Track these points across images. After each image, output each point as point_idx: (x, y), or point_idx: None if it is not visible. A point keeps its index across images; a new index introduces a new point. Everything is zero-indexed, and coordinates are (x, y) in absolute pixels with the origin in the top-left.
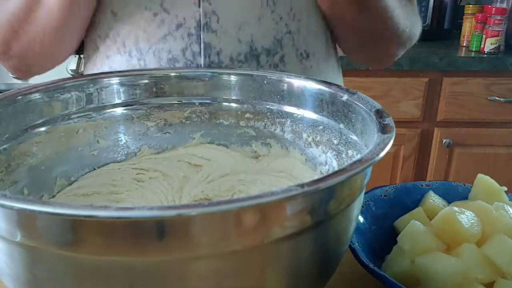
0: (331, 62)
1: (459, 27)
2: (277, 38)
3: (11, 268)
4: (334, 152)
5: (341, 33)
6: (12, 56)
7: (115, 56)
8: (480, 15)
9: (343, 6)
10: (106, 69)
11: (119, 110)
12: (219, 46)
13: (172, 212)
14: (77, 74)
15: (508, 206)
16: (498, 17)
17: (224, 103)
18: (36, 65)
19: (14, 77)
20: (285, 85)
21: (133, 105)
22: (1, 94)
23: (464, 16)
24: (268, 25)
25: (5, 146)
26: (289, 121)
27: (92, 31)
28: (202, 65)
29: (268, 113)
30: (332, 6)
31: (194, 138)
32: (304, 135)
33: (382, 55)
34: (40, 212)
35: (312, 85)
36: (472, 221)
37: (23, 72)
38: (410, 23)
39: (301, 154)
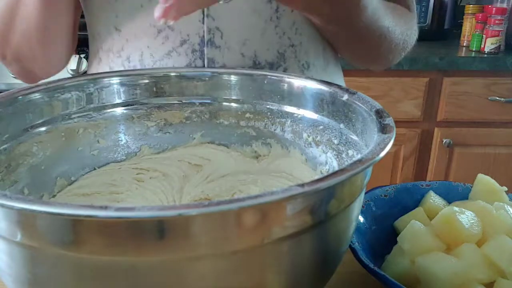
0: (330, 69)
1: (459, 27)
2: (280, 51)
3: (11, 268)
4: (334, 152)
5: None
6: (10, 61)
7: (119, 68)
8: (480, 15)
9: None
10: None
11: (119, 110)
12: (223, 61)
13: (172, 212)
14: (77, 74)
15: (508, 206)
16: (498, 17)
17: (224, 103)
18: (35, 70)
19: (14, 77)
20: (285, 85)
21: (133, 105)
22: (1, 94)
23: (464, 16)
24: (272, 40)
25: (5, 146)
26: (289, 121)
27: (93, 42)
28: None
29: (268, 113)
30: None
31: (195, 138)
32: (304, 135)
33: (376, 63)
34: (40, 212)
35: (312, 85)
36: (472, 221)
37: (27, 77)
38: (405, 35)
39: (301, 154)
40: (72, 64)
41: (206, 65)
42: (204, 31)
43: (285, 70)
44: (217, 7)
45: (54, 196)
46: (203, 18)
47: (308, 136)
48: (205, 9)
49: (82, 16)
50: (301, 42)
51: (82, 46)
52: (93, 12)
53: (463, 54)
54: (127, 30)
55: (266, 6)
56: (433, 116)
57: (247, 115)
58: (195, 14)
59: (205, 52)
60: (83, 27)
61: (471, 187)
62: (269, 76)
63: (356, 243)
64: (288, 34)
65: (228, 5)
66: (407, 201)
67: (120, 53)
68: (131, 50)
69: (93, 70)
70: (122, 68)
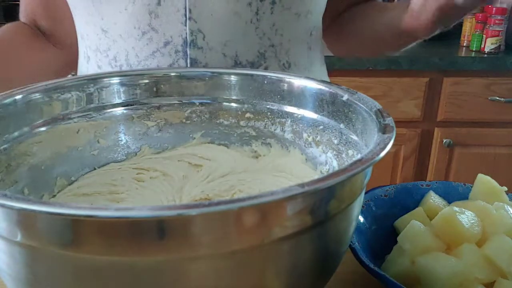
0: (315, 69)
1: (459, 27)
2: (261, 51)
3: (11, 267)
4: (334, 152)
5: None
6: None
7: (107, 67)
8: (480, 15)
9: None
10: None
11: (119, 110)
12: (205, 61)
13: (172, 212)
14: (77, 74)
15: (508, 206)
16: (499, 17)
17: (224, 103)
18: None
19: None
20: (286, 85)
21: (133, 105)
22: (1, 94)
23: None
24: (252, 41)
25: (5, 146)
26: (289, 121)
27: (82, 42)
28: None
29: (269, 113)
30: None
31: (195, 138)
32: (305, 135)
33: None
34: (40, 212)
35: (312, 85)
36: (472, 221)
37: None
38: None
39: (301, 154)
40: None
41: (188, 65)
42: (186, 33)
43: (265, 69)
44: (198, 10)
45: (54, 196)
46: (186, 20)
47: (308, 136)
48: (188, 12)
49: None
50: (281, 42)
51: None
52: (81, 14)
53: (463, 54)
54: (113, 32)
55: (246, 9)
56: (433, 116)
57: (247, 115)
58: (178, 17)
59: (188, 52)
60: None
61: (471, 187)
62: (269, 76)
63: (356, 243)
64: (268, 35)
65: (210, 8)
66: (407, 201)
67: (107, 52)
68: (117, 50)
69: (83, 68)
70: (109, 67)
